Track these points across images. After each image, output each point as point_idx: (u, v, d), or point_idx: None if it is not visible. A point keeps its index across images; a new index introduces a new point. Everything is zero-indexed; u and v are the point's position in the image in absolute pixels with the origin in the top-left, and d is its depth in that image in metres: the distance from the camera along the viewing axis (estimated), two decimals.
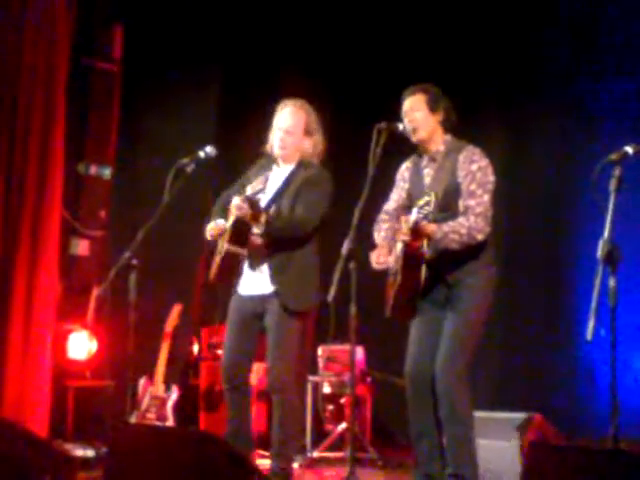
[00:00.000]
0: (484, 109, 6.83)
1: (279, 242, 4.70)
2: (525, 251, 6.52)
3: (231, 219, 4.70)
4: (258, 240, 4.72)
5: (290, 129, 4.80)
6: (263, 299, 4.75)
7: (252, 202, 4.62)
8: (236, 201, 4.63)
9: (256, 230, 4.68)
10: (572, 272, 6.61)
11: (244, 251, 4.73)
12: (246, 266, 4.81)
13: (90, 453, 5.62)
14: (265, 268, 4.75)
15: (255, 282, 4.79)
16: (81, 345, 6.58)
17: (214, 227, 4.82)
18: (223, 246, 4.71)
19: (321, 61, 7.62)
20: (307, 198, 4.73)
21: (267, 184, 4.79)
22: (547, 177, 6.65)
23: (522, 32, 6.84)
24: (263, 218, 4.62)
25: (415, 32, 7.21)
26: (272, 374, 4.71)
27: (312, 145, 4.85)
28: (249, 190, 4.74)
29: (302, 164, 4.83)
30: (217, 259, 4.80)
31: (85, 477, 4.98)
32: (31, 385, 6.08)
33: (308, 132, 4.84)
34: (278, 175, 4.85)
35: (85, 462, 5.37)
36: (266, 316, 4.75)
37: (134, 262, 4.55)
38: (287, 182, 4.80)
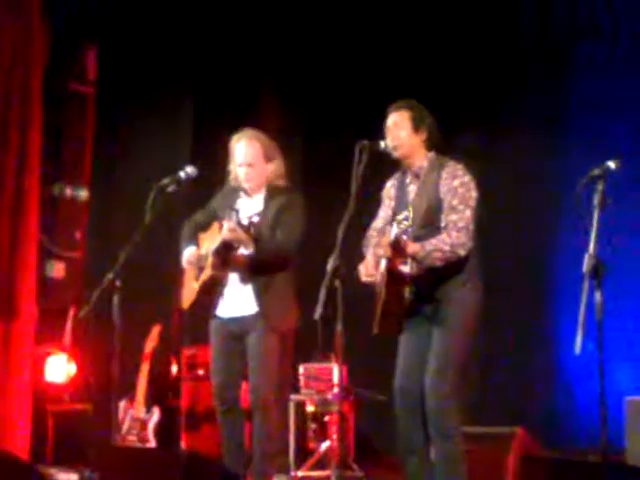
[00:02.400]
0: (461, 126, 6.86)
1: (264, 264, 4.76)
2: (504, 266, 6.55)
3: (216, 242, 4.75)
4: (243, 259, 4.76)
5: (251, 161, 4.88)
6: (245, 320, 4.82)
7: (243, 226, 4.68)
8: (229, 224, 4.65)
9: (245, 252, 4.72)
10: (551, 287, 6.65)
11: (226, 273, 4.79)
12: (227, 288, 4.86)
13: (74, 477, 5.57)
14: (248, 290, 4.82)
15: (237, 304, 4.85)
16: (60, 368, 6.54)
17: (192, 254, 4.90)
18: (206, 272, 4.79)
19: (296, 78, 7.66)
20: (286, 223, 4.82)
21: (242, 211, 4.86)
22: (527, 192, 6.68)
23: (498, 49, 6.90)
24: (253, 240, 4.66)
25: (390, 50, 7.24)
26: (255, 392, 4.76)
27: (275, 169, 4.93)
28: (244, 218, 4.78)
29: (272, 191, 4.92)
30: (197, 285, 4.88)
31: None
32: (11, 410, 6.04)
33: (268, 158, 4.91)
34: (250, 204, 4.93)
35: None
36: (248, 336, 4.80)
37: (117, 284, 4.54)
38: (263, 209, 4.88)
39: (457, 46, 7.03)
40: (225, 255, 4.76)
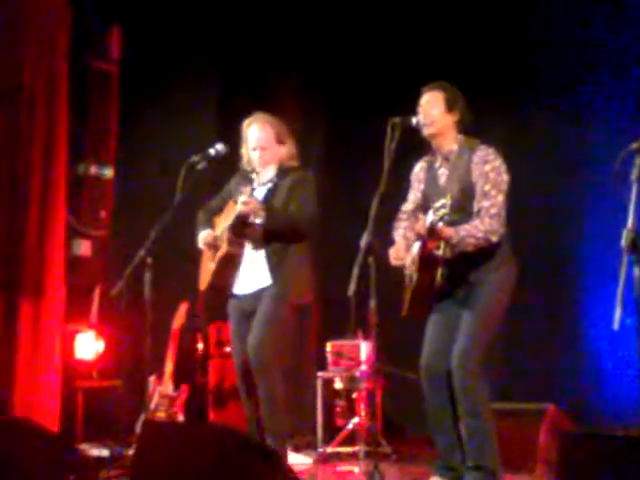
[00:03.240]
0: (485, 110, 6.80)
1: (278, 233, 4.79)
2: (530, 245, 6.52)
3: (231, 215, 4.80)
4: (257, 229, 4.80)
5: (265, 145, 4.94)
6: (258, 294, 4.82)
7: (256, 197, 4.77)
8: (243, 197, 4.70)
9: (258, 221, 4.75)
10: (577, 265, 6.62)
11: (242, 249, 4.83)
12: (243, 266, 4.88)
13: (105, 453, 5.62)
14: (263, 266, 4.83)
15: (251, 279, 4.87)
16: (88, 345, 6.58)
17: (208, 234, 4.94)
18: (222, 249, 4.83)
19: (321, 57, 7.63)
20: (298, 198, 4.86)
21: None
22: (549, 173, 6.63)
23: (522, 33, 6.83)
24: (266, 210, 4.72)
25: (411, 32, 7.19)
26: (254, 351, 4.69)
27: (287, 151, 4.99)
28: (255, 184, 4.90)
29: (283, 170, 4.96)
30: (214, 264, 4.90)
31: (106, 476, 4.98)
32: (41, 387, 6.09)
33: (280, 141, 4.98)
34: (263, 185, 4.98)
35: (101, 462, 5.35)
36: (259, 305, 4.79)
37: (149, 261, 4.56)
38: (275, 187, 4.93)
39: (479, 32, 6.95)
40: (240, 229, 4.79)
